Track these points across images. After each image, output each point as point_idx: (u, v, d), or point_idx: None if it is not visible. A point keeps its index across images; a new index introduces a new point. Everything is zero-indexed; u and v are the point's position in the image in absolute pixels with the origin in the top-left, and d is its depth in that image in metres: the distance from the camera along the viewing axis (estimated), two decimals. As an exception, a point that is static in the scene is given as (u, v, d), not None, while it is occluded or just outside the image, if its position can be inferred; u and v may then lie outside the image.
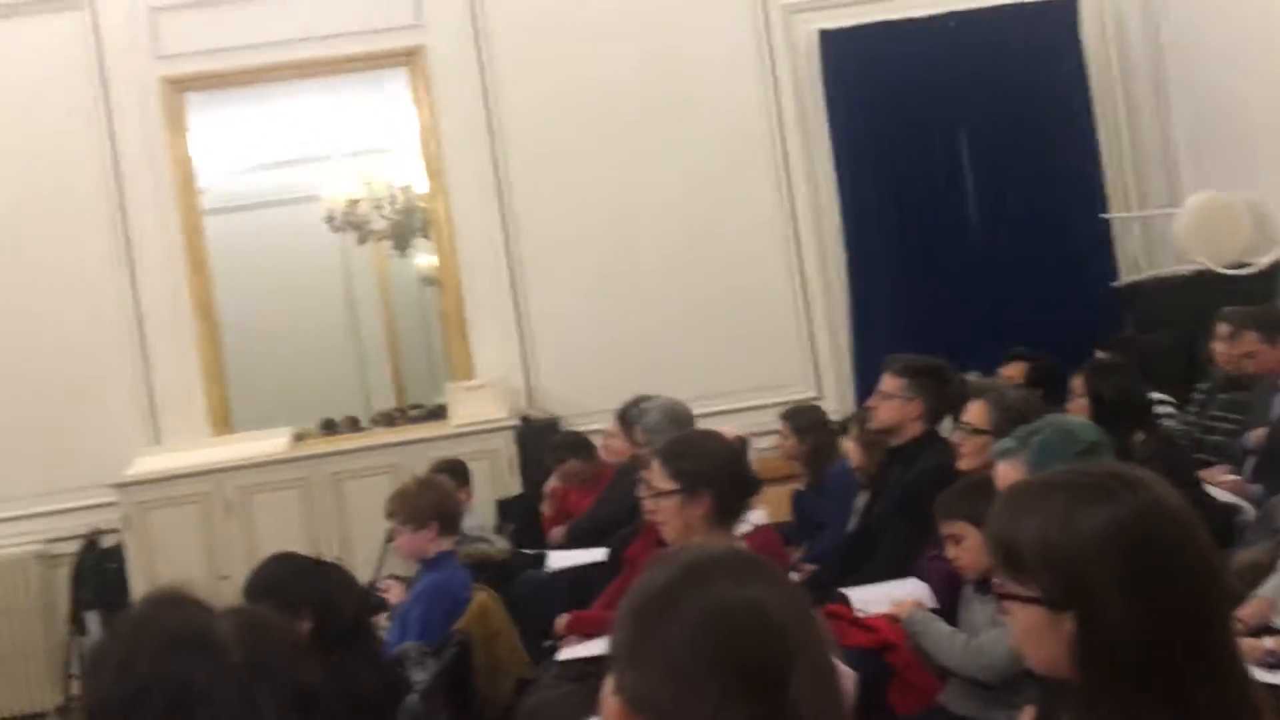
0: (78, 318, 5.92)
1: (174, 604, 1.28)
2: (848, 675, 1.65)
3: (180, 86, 6.02)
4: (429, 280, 7.03)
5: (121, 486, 5.58)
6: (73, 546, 5.76)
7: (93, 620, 5.60)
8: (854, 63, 6.20)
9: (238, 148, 6.95)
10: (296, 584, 2.42)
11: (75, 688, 5.63)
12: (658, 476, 2.74)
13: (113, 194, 5.96)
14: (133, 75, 5.96)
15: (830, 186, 6.28)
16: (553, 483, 5.34)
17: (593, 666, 2.87)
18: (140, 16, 5.97)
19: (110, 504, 5.61)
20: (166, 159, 6.00)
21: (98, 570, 5.65)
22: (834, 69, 6.20)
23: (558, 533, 4.95)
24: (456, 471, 4.86)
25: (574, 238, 6.16)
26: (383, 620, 3.40)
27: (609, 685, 1.12)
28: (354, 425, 6.45)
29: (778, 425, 4.95)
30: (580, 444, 5.29)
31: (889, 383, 3.58)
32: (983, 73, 6.18)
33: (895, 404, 3.54)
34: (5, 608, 5.74)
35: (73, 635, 5.67)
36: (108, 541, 5.70)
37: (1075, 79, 6.23)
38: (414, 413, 6.70)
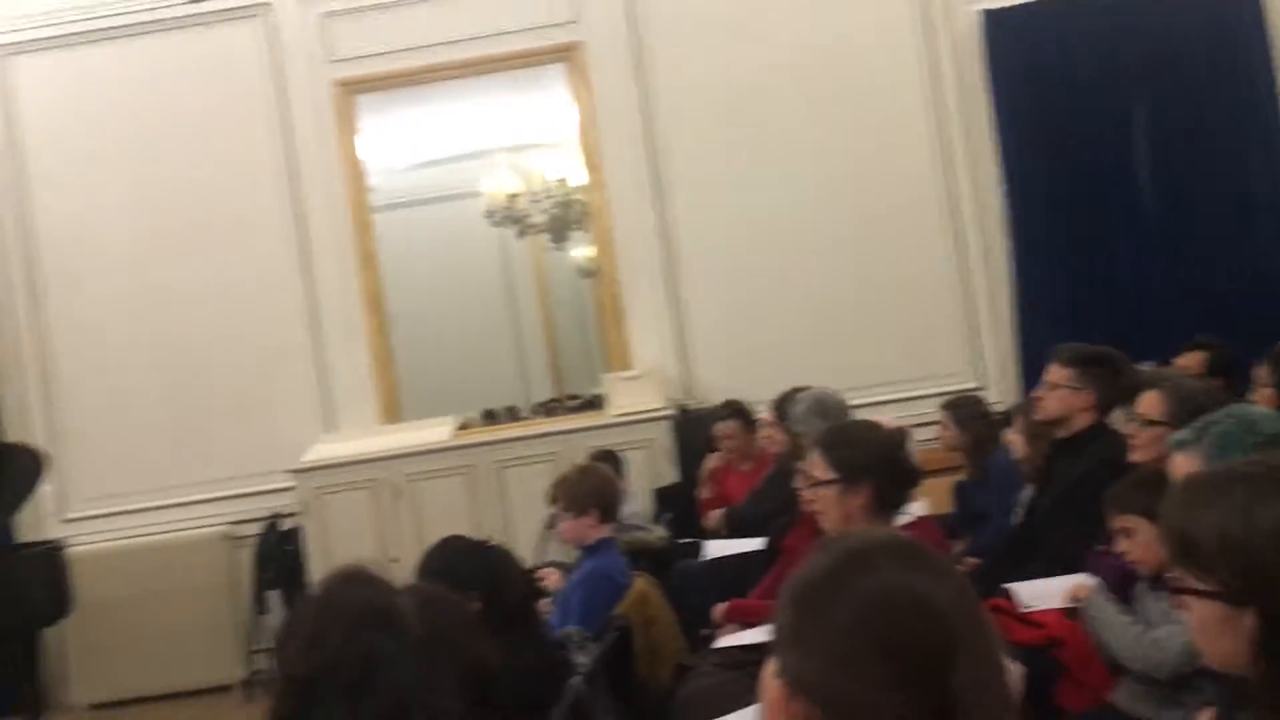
0: (260, 314, 6.25)
1: (358, 581, 1.36)
2: (1015, 670, 1.62)
3: (351, 89, 6.28)
4: (586, 272, 7.14)
5: (299, 472, 5.86)
6: (255, 529, 6.07)
7: (274, 599, 5.89)
8: (1019, 43, 6.02)
9: (403, 146, 7.20)
10: (467, 566, 2.51)
11: (258, 663, 5.95)
12: (817, 466, 2.74)
13: (289, 195, 6.26)
14: (307, 80, 6.25)
15: (993, 171, 6.12)
16: (712, 462, 5.38)
17: (750, 654, 2.89)
18: (313, 23, 6.25)
19: (289, 489, 5.90)
20: (338, 159, 6.27)
21: (278, 551, 5.95)
22: (997, 50, 6.04)
23: (714, 515, 4.98)
24: (610, 462, 4.93)
25: (730, 227, 6.18)
26: (544, 606, 3.48)
27: (770, 669, 1.13)
28: (514, 415, 6.60)
29: (938, 416, 4.86)
30: (742, 410, 5.31)
31: (1056, 373, 3.47)
32: (1159, 51, 5.92)
33: (1063, 395, 3.43)
34: (194, 586, 6.11)
35: (256, 613, 5.98)
36: (287, 524, 5.99)
37: (1258, 57, 5.91)
38: (572, 403, 6.81)
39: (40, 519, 6.15)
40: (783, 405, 4.47)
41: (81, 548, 5.86)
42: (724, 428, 5.35)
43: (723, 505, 5.11)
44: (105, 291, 6.28)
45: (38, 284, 6.31)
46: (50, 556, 5.35)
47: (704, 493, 5.34)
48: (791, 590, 1.14)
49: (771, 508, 4.40)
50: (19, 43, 6.27)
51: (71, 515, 6.23)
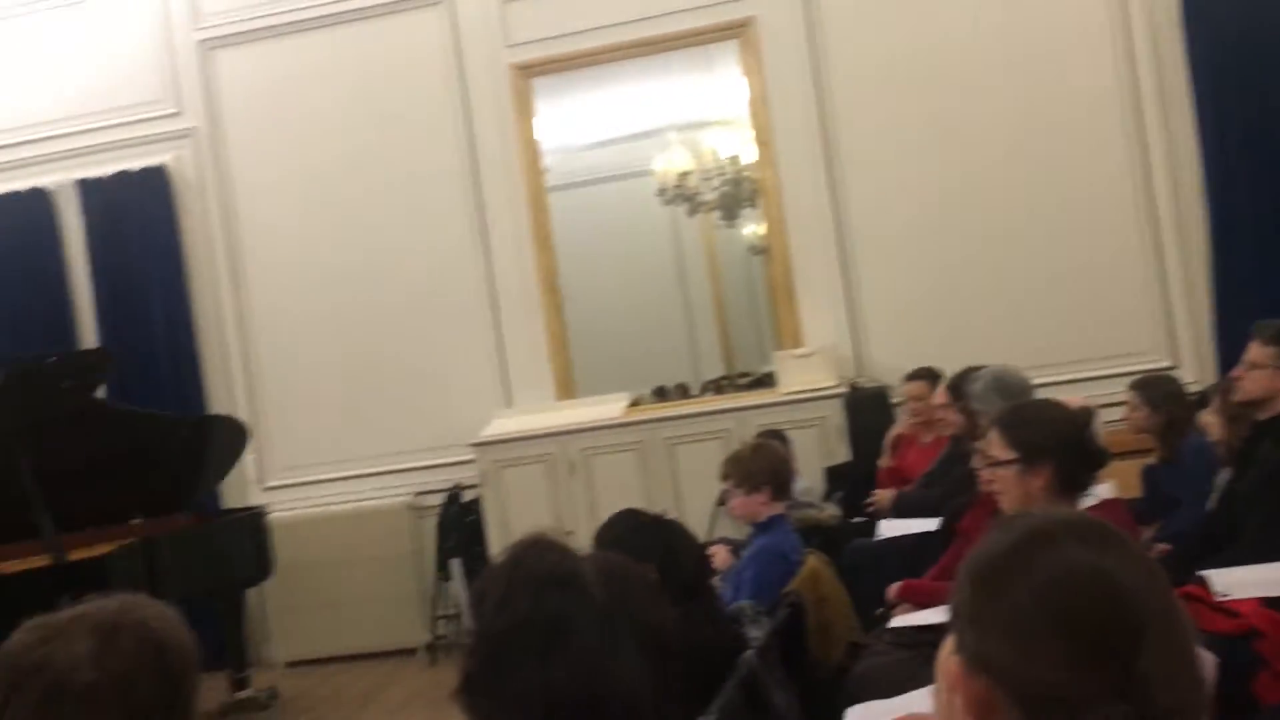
0: (443, 294, 6.48)
1: (545, 547, 1.41)
2: (1208, 659, 1.55)
3: (528, 72, 6.43)
4: (756, 250, 7.11)
5: (479, 446, 6.07)
6: (438, 499, 6.31)
7: (456, 567, 6.12)
8: (1219, 8, 5.67)
9: (577, 127, 7.32)
10: (641, 538, 2.56)
11: (441, 628, 6.21)
12: (996, 445, 2.68)
13: (469, 177, 6.46)
14: (486, 65, 6.42)
15: (1190, 144, 5.80)
16: (896, 429, 5.30)
17: (925, 635, 2.86)
18: (492, 9, 6.42)
19: (470, 462, 6.11)
20: (516, 142, 6.43)
21: (459, 521, 6.18)
22: (1196, 14, 5.71)
23: (884, 495, 4.90)
24: (777, 441, 4.92)
25: (906, 202, 6.06)
26: (715, 582, 3.51)
27: (948, 645, 1.12)
28: (684, 392, 6.66)
29: (1127, 396, 4.66)
30: (934, 374, 5.19)
31: (1257, 351, 3.29)
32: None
33: (1265, 374, 3.26)
34: (381, 554, 6.41)
35: (439, 580, 6.23)
36: (468, 496, 6.21)
37: None
38: (742, 380, 6.81)
39: (243, 487, 6.56)
40: (959, 384, 4.37)
41: (280, 514, 6.22)
42: (912, 388, 5.24)
43: (900, 479, 5.04)
44: (299, 274, 6.63)
45: (239, 268, 6.71)
46: (253, 522, 5.70)
47: (884, 462, 5.26)
48: (970, 567, 1.13)
49: (943, 491, 4.32)
50: (219, 37, 6.66)
51: (271, 484, 6.63)
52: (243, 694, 5.70)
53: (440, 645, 6.18)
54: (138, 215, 6.68)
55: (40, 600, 4.15)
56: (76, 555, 4.70)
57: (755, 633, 2.73)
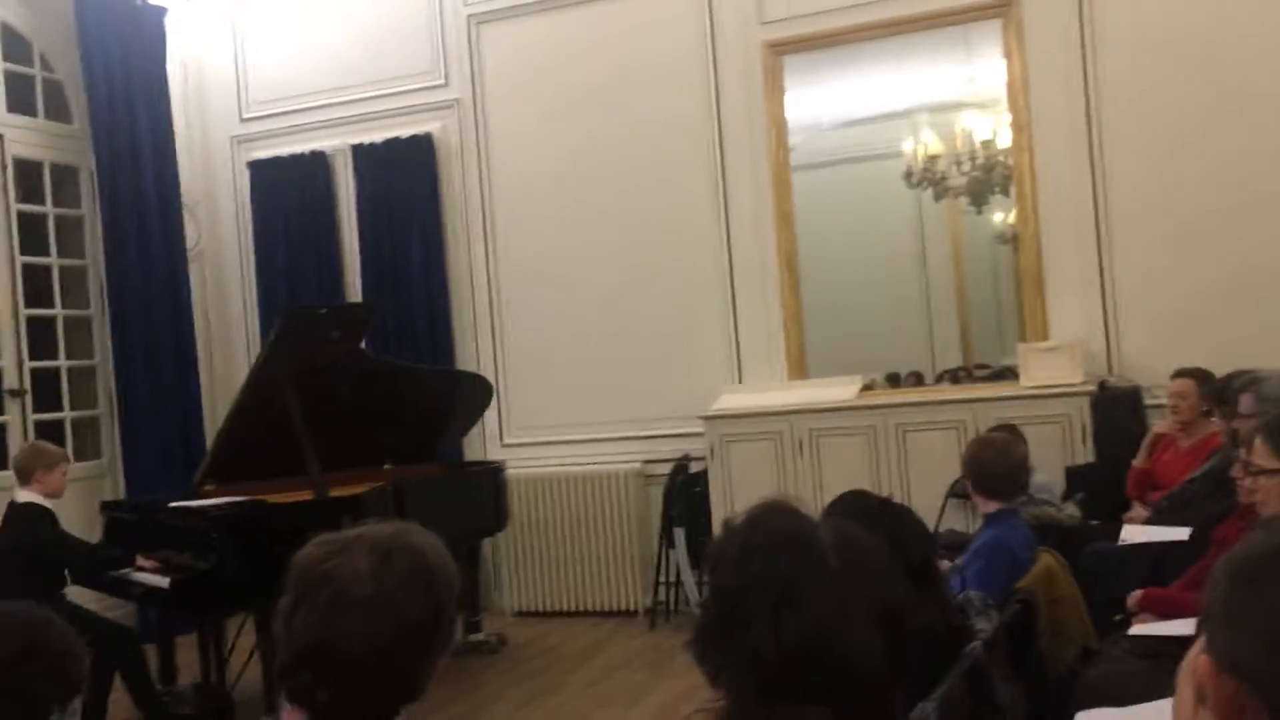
0: (683, 267, 6.60)
1: (783, 511, 1.45)
2: None
3: (780, 50, 6.43)
4: (1003, 238, 6.87)
5: (708, 419, 6.16)
6: (665, 469, 6.45)
7: (679, 535, 6.25)
8: None
9: (825, 106, 7.26)
10: (869, 519, 2.55)
11: (662, 593, 6.36)
12: (1260, 454, 2.53)
13: (714, 153, 6.54)
14: (738, 42, 6.46)
15: None
16: (1157, 428, 5.02)
17: (1166, 646, 2.73)
18: (748, -14, 6.46)
19: (698, 434, 6.21)
20: (764, 120, 6.45)
21: (685, 491, 6.30)
22: None
23: (1136, 514, 4.66)
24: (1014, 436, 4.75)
25: (1171, 191, 5.72)
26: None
27: (1199, 644, 1.09)
28: (918, 380, 6.54)
29: None
30: (1205, 375, 4.87)
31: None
32: None
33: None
34: (608, 517, 6.62)
35: (663, 546, 6.38)
36: (695, 467, 6.33)
37: None
38: (980, 372, 6.62)
39: (485, 442, 6.92)
40: (1223, 389, 4.11)
41: (516, 471, 6.52)
42: (1177, 385, 4.92)
43: (1151, 483, 4.79)
44: (547, 241, 6.89)
45: (492, 234, 7.04)
46: (493, 475, 6.00)
47: (1138, 461, 5.00)
48: (1228, 565, 1.09)
49: (1197, 494, 4.08)
50: (486, 12, 6.98)
51: (510, 441, 6.95)
52: (475, 637, 6.04)
53: (660, 610, 6.33)
54: (404, 180, 7.11)
55: (302, 530, 4.52)
56: (336, 493, 5.07)
57: (983, 625, 2.67)
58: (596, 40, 6.76)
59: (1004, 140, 6.38)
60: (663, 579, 6.35)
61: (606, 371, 6.76)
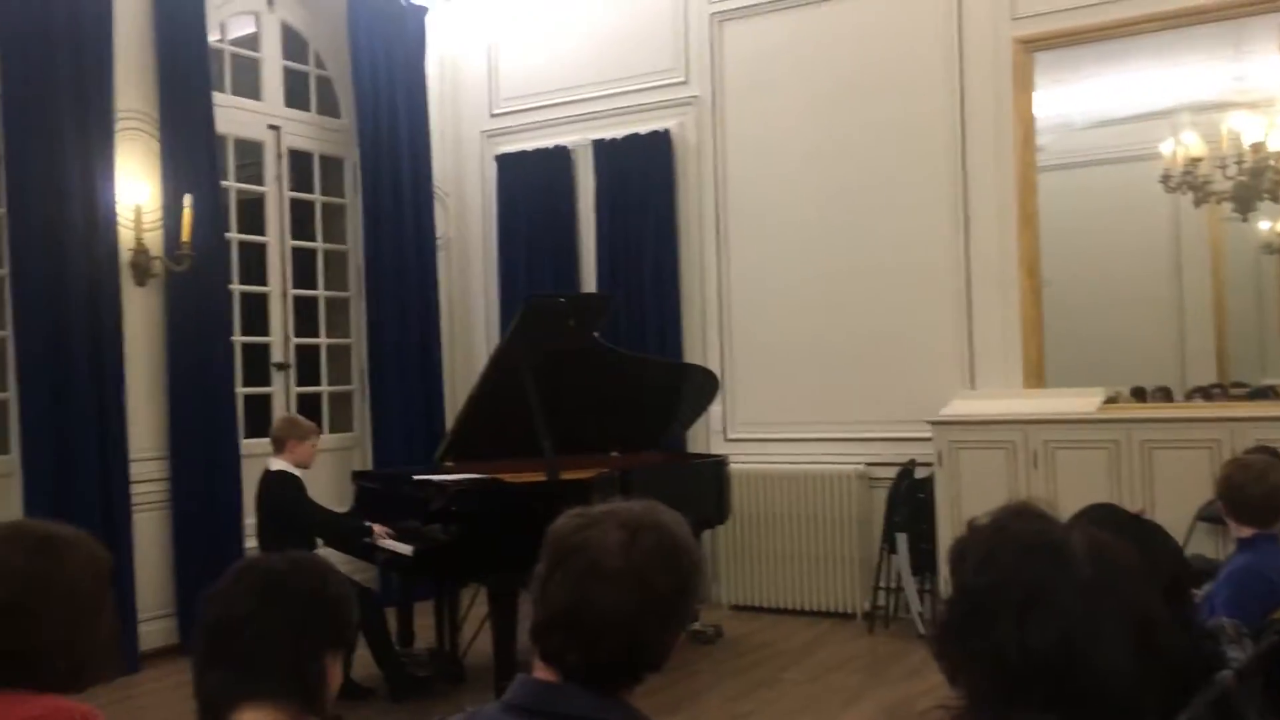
0: (918, 267, 6.47)
1: (1031, 515, 1.42)
2: None
3: (1031, 46, 6.21)
4: (1270, 248, 6.42)
5: (938, 424, 6.02)
6: (889, 472, 6.35)
7: (901, 541, 6.14)
8: None
9: (1076, 104, 6.96)
10: (1121, 532, 2.45)
11: (880, 598, 6.27)
12: None
13: (956, 152, 6.37)
14: (987, 37, 6.28)
15: None
16: None
17: None
18: (999, -19, 6.27)
19: (926, 439, 6.08)
20: (1010, 118, 6.24)
21: (910, 496, 6.18)
22: None
23: None
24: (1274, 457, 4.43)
25: None
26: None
27: None
28: (1165, 396, 6.19)
29: None
30: None
31: None
32: None
33: None
34: (828, 517, 6.58)
35: (884, 551, 6.28)
36: (921, 473, 6.20)
37: None
38: (1236, 391, 6.20)
39: (709, 435, 7.00)
40: None
41: (738, 466, 6.56)
42: None
43: None
44: (779, 239, 6.90)
45: (725, 231, 7.11)
46: (716, 468, 6.07)
47: None
48: None
49: None
50: (730, 10, 7.05)
51: (733, 435, 7.01)
52: (692, 626, 6.12)
53: (878, 615, 6.25)
54: (641, 175, 7.27)
55: (534, 510, 4.69)
56: (566, 476, 5.25)
57: (1235, 654, 2.52)
58: (839, 38, 6.71)
59: (1275, 143, 5.94)
60: (882, 584, 6.26)
61: (833, 371, 6.72)
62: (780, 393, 6.89)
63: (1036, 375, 6.22)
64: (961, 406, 6.14)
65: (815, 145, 6.78)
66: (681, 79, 7.21)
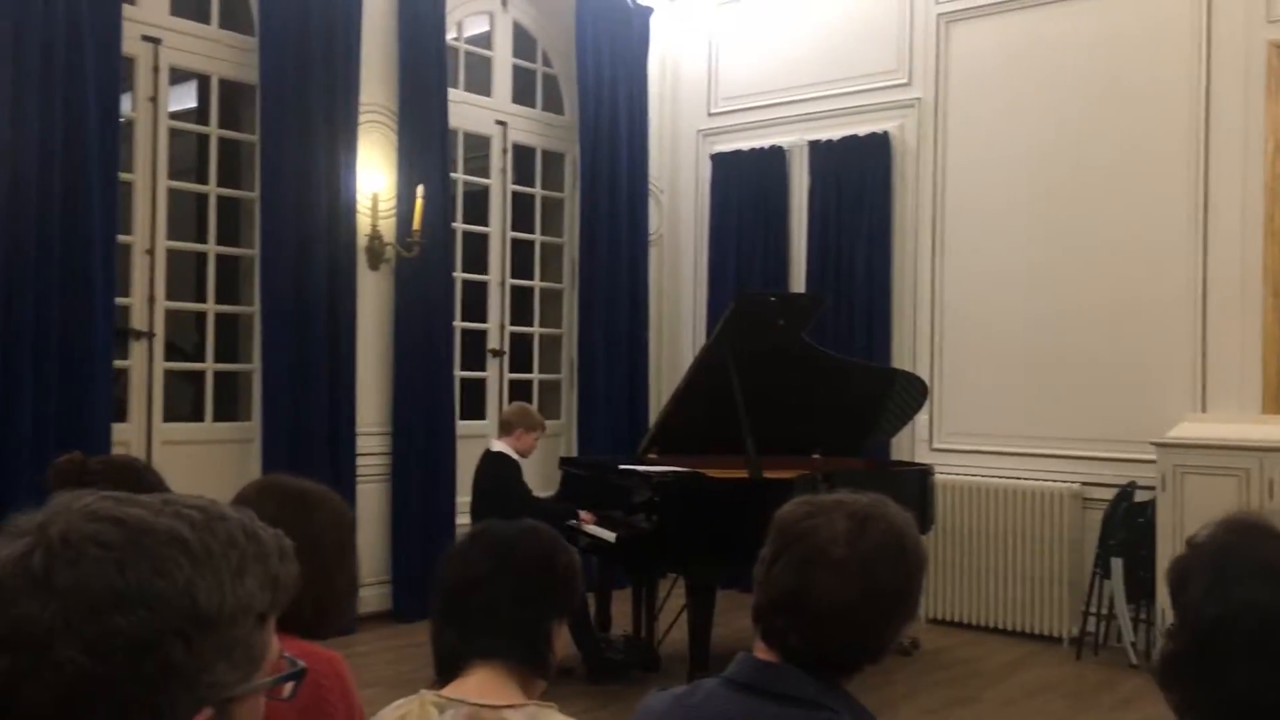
0: (1149, 281, 6.15)
1: (1263, 534, 1.32)
2: None
3: (1287, 49, 5.82)
4: None
5: (1163, 446, 5.71)
6: (1106, 493, 6.07)
7: (1117, 566, 5.85)
8: None
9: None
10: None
11: (1090, 624, 6.00)
12: None
13: (1197, 160, 6.02)
14: (1238, 40, 5.90)
15: None
16: None
17: None
18: (1254, -19, 5.89)
19: (1148, 461, 5.78)
20: (1259, 124, 5.86)
21: (1128, 520, 5.88)
22: None
23: None
24: None
25: None
26: None
27: None
28: None
29: None
30: None
31: None
32: None
33: None
34: (1038, 536, 6.34)
35: (1096, 575, 6.00)
36: (1141, 496, 5.90)
37: None
38: None
39: (914, 444, 6.86)
40: None
41: (943, 477, 6.41)
42: None
43: None
44: (999, 247, 6.69)
45: (941, 236, 6.95)
46: (921, 478, 5.94)
47: None
48: None
49: None
50: (958, 10, 6.87)
51: (940, 445, 6.85)
52: (887, 635, 6.01)
53: (1087, 641, 5.99)
54: (856, 177, 7.20)
55: (734, 508, 4.72)
56: (769, 475, 5.26)
57: None
58: (1072, 39, 6.45)
59: None
60: (1092, 609, 5.99)
61: (1050, 384, 6.47)
62: (992, 404, 6.69)
63: (1277, 400, 5.82)
64: (1190, 429, 5.80)
65: (1043, 151, 6.54)
66: (904, 80, 7.09)
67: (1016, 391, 6.61)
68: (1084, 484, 6.29)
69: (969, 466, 6.68)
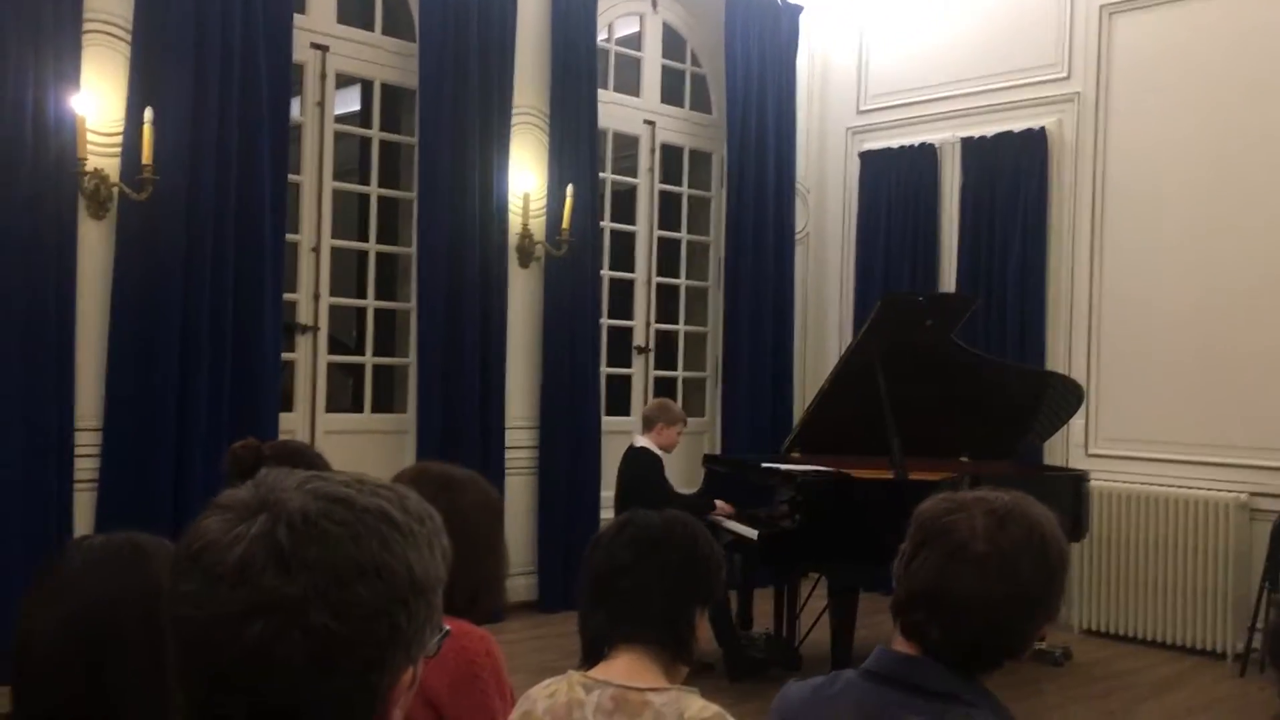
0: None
1: None
2: None
3: None
4: None
5: (1339, 456, 5.42)
6: (1276, 505, 5.79)
7: (1285, 581, 5.59)
8: None
9: None
10: None
11: (1256, 640, 5.72)
12: None
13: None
14: None
15: None
16: None
17: None
18: None
19: (1323, 471, 5.50)
20: None
21: (1299, 533, 5.61)
22: None
23: None
24: None
25: None
26: None
27: None
28: None
29: None
30: None
31: None
32: None
33: None
34: (1201, 547, 6.08)
35: (1264, 589, 5.72)
36: (1315, 508, 5.61)
37: None
38: None
39: (1069, 449, 6.66)
40: None
41: (1099, 483, 6.21)
42: None
43: None
44: (1162, 245, 6.44)
45: (1100, 235, 6.72)
46: (1075, 484, 5.76)
47: None
48: None
49: None
50: (1121, 1, 6.63)
51: (1096, 451, 6.62)
52: (1039, 645, 5.86)
53: (1252, 658, 5.72)
54: (1011, 175, 7.02)
55: (878, 508, 4.67)
56: (914, 476, 5.19)
57: None
58: (1243, 32, 6.15)
59: None
60: (1259, 625, 5.71)
61: (1215, 389, 6.19)
62: (1152, 409, 6.44)
63: None
64: (1370, 439, 5.48)
65: (1209, 149, 6.26)
66: (1063, 74, 6.88)
67: (1177, 397, 6.35)
68: (1252, 494, 6.00)
69: (1126, 473, 6.45)
